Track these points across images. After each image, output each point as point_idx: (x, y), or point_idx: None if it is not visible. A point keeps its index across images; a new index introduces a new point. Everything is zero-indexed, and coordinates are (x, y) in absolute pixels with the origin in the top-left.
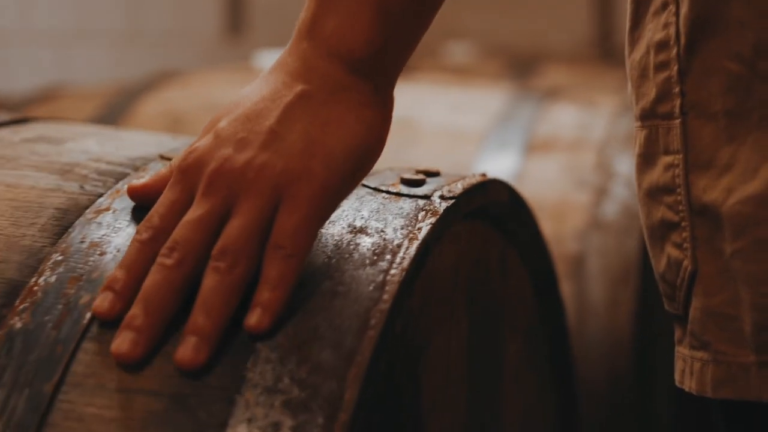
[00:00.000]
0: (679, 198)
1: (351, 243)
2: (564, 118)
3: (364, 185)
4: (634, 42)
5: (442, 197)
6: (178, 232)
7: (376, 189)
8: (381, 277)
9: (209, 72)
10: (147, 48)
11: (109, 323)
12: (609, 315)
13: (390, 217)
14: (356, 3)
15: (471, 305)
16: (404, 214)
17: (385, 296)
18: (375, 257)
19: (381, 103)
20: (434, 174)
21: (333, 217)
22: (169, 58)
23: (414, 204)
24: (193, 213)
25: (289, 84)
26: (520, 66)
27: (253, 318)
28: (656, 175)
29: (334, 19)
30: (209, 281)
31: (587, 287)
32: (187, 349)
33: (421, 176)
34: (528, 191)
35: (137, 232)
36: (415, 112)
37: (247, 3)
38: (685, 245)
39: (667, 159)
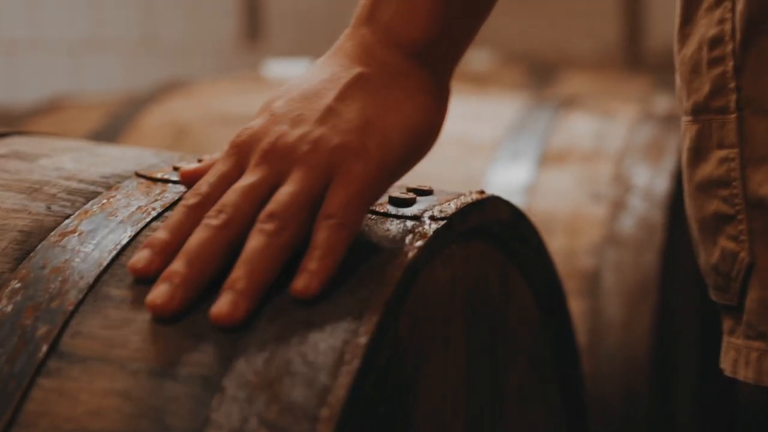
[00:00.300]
0: (735, 191)
1: None
2: (580, 128)
3: None
4: (684, 38)
5: (432, 218)
6: (227, 196)
7: None
8: (361, 307)
9: (216, 82)
10: (161, 56)
11: (69, 357)
12: (625, 333)
13: (375, 241)
14: None
15: (469, 327)
16: (390, 236)
17: (364, 328)
18: (356, 285)
19: (438, 91)
20: (426, 192)
21: None
22: (185, 66)
23: (402, 226)
24: (244, 181)
25: (348, 66)
26: (540, 74)
27: (301, 282)
28: (709, 168)
29: (393, 6)
30: (254, 242)
31: (602, 304)
32: (224, 304)
33: (411, 195)
34: (541, 204)
35: (184, 198)
36: None
37: (265, 10)
38: (741, 238)
39: (722, 153)
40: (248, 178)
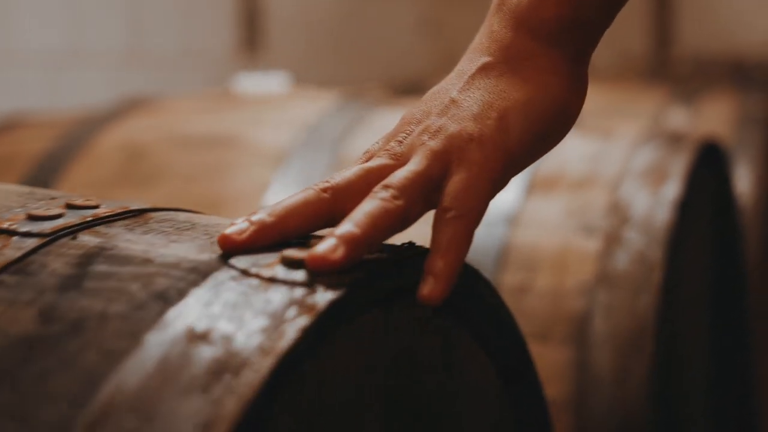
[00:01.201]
0: None
1: (183, 356)
2: (574, 150)
3: (230, 265)
4: None
5: (330, 285)
6: (344, 177)
7: (244, 272)
8: (208, 410)
9: (184, 99)
10: (150, 68)
11: None
12: (617, 387)
13: (248, 316)
14: None
15: (395, 411)
16: (269, 310)
17: None
18: (210, 379)
19: (570, 74)
20: None
21: (171, 314)
22: (176, 79)
23: (287, 295)
24: (363, 165)
25: (474, 58)
26: None
27: (426, 288)
28: None
29: None
30: (363, 204)
31: (592, 353)
32: (322, 247)
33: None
34: (525, 237)
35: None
36: None
37: (265, 18)
38: None
39: None
40: (369, 164)
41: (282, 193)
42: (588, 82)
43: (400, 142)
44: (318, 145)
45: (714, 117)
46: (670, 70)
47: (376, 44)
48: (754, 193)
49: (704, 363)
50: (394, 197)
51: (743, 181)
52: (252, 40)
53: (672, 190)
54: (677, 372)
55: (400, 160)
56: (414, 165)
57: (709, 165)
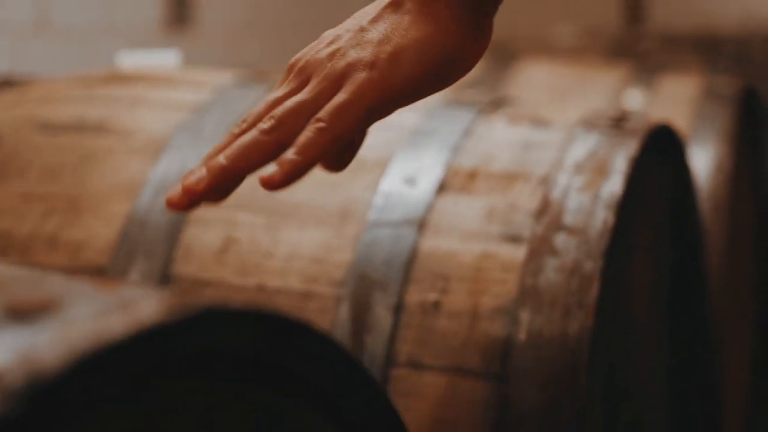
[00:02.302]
0: None
1: None
2: (499, 139)
3: None
4: None
5: (27, 371)
6: (254, 108)
7: None
8: None
9: (56, 80)
10: (62, 42)
11: None
12: (545, 429)
13: None
14: None
15: None
16: None
17: None
18: None
19: (472, 23)
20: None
21: None
22: (94, 54)
23: None
24: (272, 95)
25: None
26: (495, 64)
27: (267, 172)
28: None
29: None
30: (243, 136)
31: (514, 387)
32: (190, 177)
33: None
34: (435, 245)
35: None
36: None
37: None
38: None
39: None
40: (275, 93)
41: (160, 193)
42: (491, 34)
43: (307, 61)
44: (205, 133)
45: (676, 96)
46: (638, 46)
47: (323, 25)
48: (715, 179)
49: (662, 371)
50: (271, 128)
51: (702, 166)
52: (180, 13)
53: (613, 186)
54: (623, 394)
55: (304, 85)
56: (304, 94)
57: (662, 151)
